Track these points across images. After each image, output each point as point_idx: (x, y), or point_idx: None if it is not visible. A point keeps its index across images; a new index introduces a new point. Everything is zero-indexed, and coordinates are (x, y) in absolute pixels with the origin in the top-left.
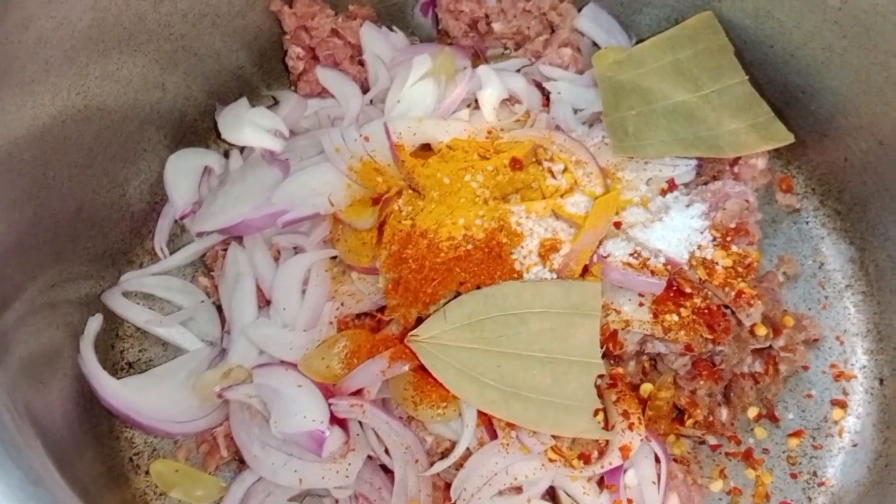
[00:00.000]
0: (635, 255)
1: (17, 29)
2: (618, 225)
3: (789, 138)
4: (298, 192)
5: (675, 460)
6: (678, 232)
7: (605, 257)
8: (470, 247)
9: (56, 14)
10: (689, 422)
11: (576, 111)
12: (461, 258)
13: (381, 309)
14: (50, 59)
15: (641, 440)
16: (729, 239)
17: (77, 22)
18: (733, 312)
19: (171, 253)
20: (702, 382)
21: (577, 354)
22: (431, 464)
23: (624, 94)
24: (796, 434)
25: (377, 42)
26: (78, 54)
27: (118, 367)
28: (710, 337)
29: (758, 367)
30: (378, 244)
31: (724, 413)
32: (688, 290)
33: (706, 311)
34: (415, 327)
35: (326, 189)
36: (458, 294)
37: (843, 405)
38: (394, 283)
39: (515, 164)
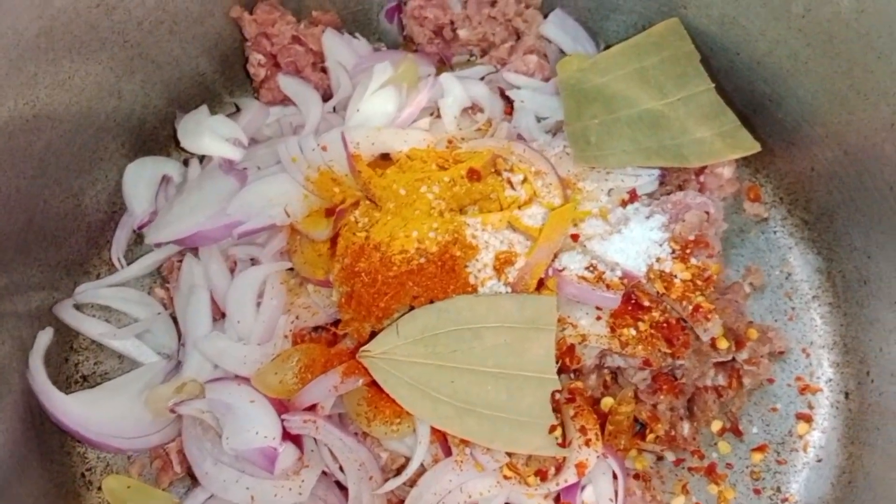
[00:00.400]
0: (591, 268)
1: None
2: (575, 237)
3: (755, 147)
4: (254, 202)
5: (636, 476)
6: (637, 244)
7: (561, 271)
8: (423, 260)
9: (0, 23)
10: (651, 437)
11: (539, 119)
12: (414, 272)
13: (336, 322)
14: None
15: (598, 457)
16: (688, 251)
17: (23, 31)
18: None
19: (129, 264)
20: (663, 397)
21: (532, 370)
22: (386, 480)
23: (587, 102)
24: (760, 448)
25: (339, 49)
26: (25, 64)
27: (72, 381)
28: (668, 351)
29: (721, 380)
30: (332, 256)
31: (686, 428)
32: (646, 303)
33: (664, 324)
34: (368, 342)
35: (283, 200)
36: (412, 308)
37: (808, 419)
38: (347, 296)
39: (473, 175)
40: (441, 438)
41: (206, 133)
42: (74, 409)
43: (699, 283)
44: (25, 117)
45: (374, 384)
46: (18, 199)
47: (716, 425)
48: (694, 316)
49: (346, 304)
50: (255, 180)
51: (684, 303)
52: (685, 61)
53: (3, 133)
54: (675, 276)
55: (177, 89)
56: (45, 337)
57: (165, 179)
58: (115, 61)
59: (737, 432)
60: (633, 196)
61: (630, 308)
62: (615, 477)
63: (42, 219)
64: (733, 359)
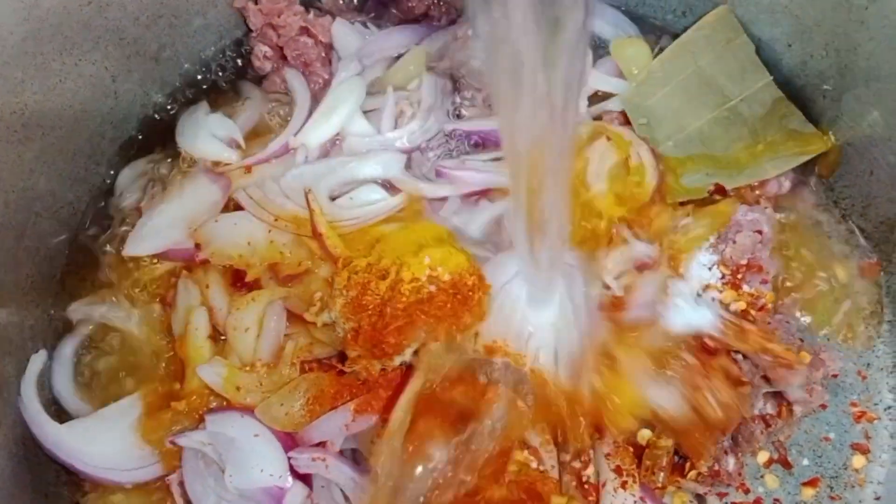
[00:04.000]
0: None
1: None
2: None
3: (827, 143)
4: (219, 235)
5: None
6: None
7: None
8: (433, 289)
9: None
10: (692, 473)
11: None
12: (424, 301)
13: (343, 357)
14: None
15: (636, 502)
16: (740, 277)
17: (8, 37)
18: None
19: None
20: None
21: None
22: None
23: (656, 122)
24: (811, 483)
25: (349, 41)
26: (11, 71)
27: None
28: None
29: (770, 408)
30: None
31: (731, 462)
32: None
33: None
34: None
35: (246, 237)
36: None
37: (864, 451)
38: (353, 333)
39: None
40: None
41: (202, 134)
42: (68, 441)
43: (752, 313)
44: (13, 128)
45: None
46: (7, 215)
47: (762, 456)
48: (776, 371)
49: (353, 341)
50: (225, 215)
51: (763, 355)
52: (741, 54)
53: None
54: (728, 307)
55: (177, 86)
56: (38, 361)
57: (151, 179)
58: (111, 60)
59: (786, 464)
60: None
61: None
62: None
63: (33, 234)
64: None
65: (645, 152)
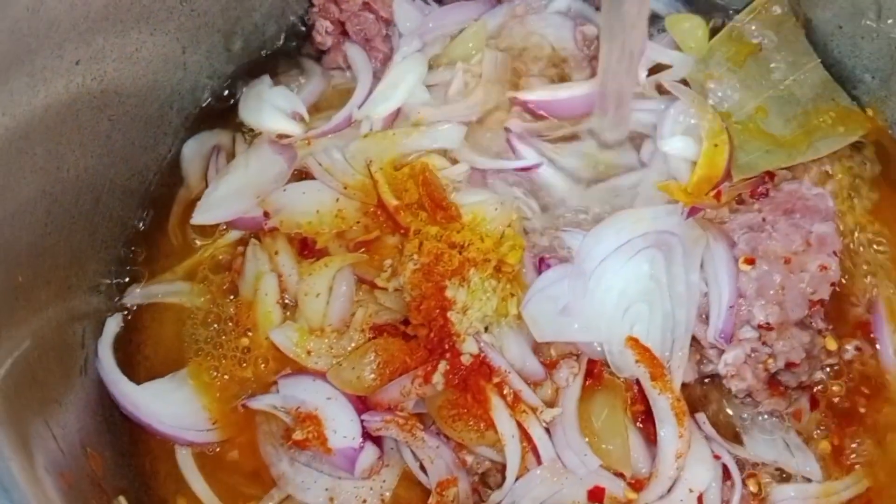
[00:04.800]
0: None
1: (26, 13)
2: None
3: (874, 124)
4: (287, 204)
5: None
6: None
7: None
8: None
9: None
10: None
11: None
12: None
13: (407, 322)
14: (63, 43)
15: None
16: None
17: (92, 2)
18: None
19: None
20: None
21: None
22: (471, 483)
23: (717, 101)
24: None
25: (410, 17)
26: (94, 37)
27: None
28: None
29: None
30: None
31: None
32: None
33: None
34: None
35: (314, 205)
36: None
37: None
38: (417, 302)
39: None
40: (533, 446)
41: (266, 107)
42: (146, 401)
43: None
44: (94, 94)
45: (457, 386)
46: (87, 180)
47: None
48: None
49: (416, 310)
50: (293, 185)
51: None
52: (791, 37)
53: (72, 111)
54: None
55: (242, 59)
56: (113, 324)
57: (216, 150)
58: (182, 31)
59: None
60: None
61: None
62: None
63: (108, 200)
64: None
65: (719, 122)
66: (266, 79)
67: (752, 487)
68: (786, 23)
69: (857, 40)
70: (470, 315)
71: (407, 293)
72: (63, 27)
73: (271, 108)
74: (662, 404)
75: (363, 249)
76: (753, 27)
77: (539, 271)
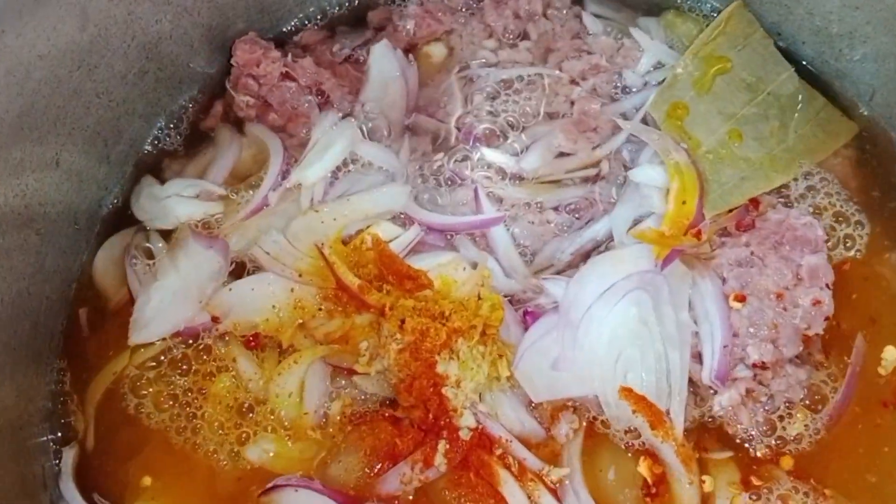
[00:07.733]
0: None
1: None
2: None
3: (854, 128)
4: (236, 303)
5: None
6: None
7: None
8: None
9: None
10: None
11: None
12: None
13: (394, 403)
14: None
15: None
16: None
17: (4, 114)
18: None
19: None
20: None
21: None
22: None
23: (689, 126)
24: None
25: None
26: (10, 151)
27: None
28: None
29: None
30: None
31: None
32: None
33: None
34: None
35: (269, 301)
36: None
37: None
38: (406, 382)
39: None
40: None
41: (167, 202)
42: None
43: None
44: (17, 211)
45: (458, 466)
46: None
47: None
48: None
49: (406, 392)
50: (237, 282)
51: None
52: (761, 49)
53: None
54: None
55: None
56: (70, 454)
57: (130, 254)
58: (102, 125)
59: None
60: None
61: None
62: None
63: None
64: None
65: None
66: (148, 178)
67: None
68: (753, 35)
69: (826, 41)
70: (464, 387)
71: (393, 375)
72: None
73: (175, 198)
74: (667, 453)
75: (333, 339)
76: (720, 43)
77: (525, 325)
